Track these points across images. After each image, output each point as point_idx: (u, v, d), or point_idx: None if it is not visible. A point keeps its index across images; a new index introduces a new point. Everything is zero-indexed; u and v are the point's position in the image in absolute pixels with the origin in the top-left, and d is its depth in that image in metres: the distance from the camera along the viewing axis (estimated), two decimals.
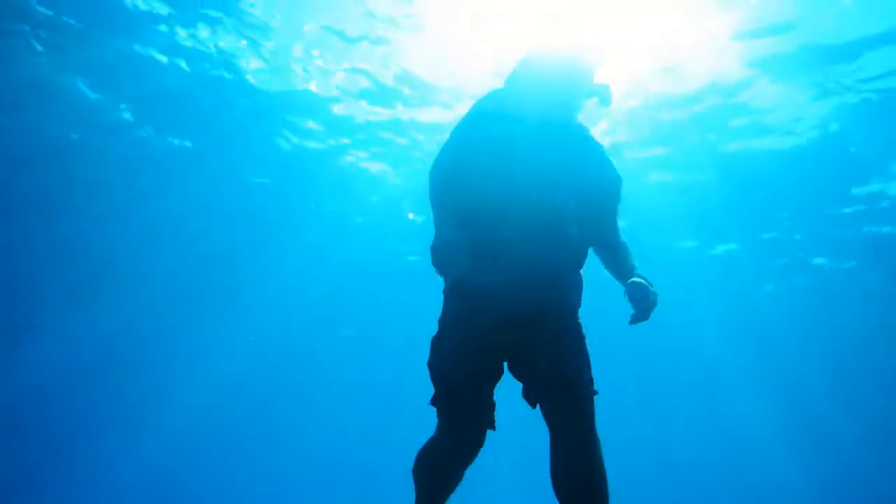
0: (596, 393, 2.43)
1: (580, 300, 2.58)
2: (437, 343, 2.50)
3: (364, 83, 8.75)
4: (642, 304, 2.41)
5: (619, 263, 2.62)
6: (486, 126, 2.47)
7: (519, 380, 2.51)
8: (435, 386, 2.46)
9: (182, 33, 7.89)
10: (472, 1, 7.14)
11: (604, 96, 2.50)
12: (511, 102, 2.50)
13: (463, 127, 2.53)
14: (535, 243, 2.41)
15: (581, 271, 2.60)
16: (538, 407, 2.46)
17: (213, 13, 7.55)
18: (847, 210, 10.67)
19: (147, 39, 7.97)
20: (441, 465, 2.43)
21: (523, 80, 2.56)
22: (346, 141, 10.07)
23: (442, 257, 2.30)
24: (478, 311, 2.39)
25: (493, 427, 2.45)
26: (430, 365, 2.48)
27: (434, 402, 2.46)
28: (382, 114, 9.37)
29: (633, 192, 8.91)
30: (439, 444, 2.44)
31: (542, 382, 2.43)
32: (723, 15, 7.00)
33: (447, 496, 2.49)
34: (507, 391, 2.59)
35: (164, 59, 8.28)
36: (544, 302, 2.46)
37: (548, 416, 2.44)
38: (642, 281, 2.47)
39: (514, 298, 2.40)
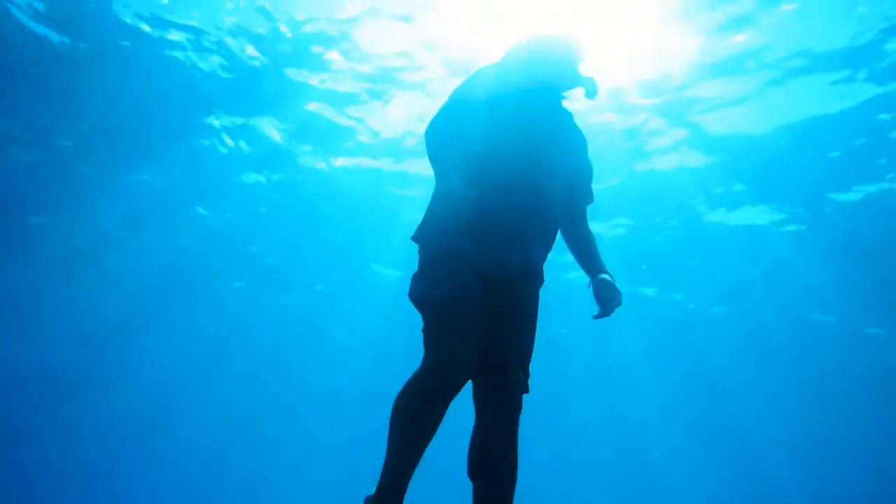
0: (527, 391, 2.45)
1: (542, 281, 2.61)
2: (424, 274, 2.45)
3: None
4: (609, 304, 2.48)
5: (586, 253, 2.65)
6: (484, 93, 2.51)
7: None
8: (426, 309, 2.37)
9: None
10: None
11: (590, 88, 2.56)
12: (507, 76, 2.57)
13: (462, 91, 2.55)
14: (519, 212, 2.44)
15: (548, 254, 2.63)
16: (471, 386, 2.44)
17: None
18: None
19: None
20: (424, 399, 2.21)
21: (519, 58, 2.62)
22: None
23: (451, 208, 2.28)
24: (462, 267, 2.37)
25: (476, 371, 2.36)
26: (420, 292, 2.42)
27: (425, 329, 2.35)
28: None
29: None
30: (423, 376, 2.24)
31: (485, 362, 2.38)
32: None
33: (423, 446, 2.25)
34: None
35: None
36: (517, 273, 2.47)
37: (477, 398, 2.43)
38: (610, 279, 2.52)
39: (492, 264, 2.40)
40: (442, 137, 2.47)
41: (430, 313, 2.36)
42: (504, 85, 2.53)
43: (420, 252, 2.52)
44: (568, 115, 2.71)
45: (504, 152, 2.45)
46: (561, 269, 12.15)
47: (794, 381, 16.31)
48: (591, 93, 2.56)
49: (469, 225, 2.34)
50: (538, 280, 2.57)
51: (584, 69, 2.61)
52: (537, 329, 2.55)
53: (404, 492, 2.26)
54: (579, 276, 12.53)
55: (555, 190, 2.52)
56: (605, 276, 2.53)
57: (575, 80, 2.58)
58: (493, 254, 2.40)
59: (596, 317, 2.52)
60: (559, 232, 2.69)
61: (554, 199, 2.51)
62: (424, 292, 2.39)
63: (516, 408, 2.40)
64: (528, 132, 2.51)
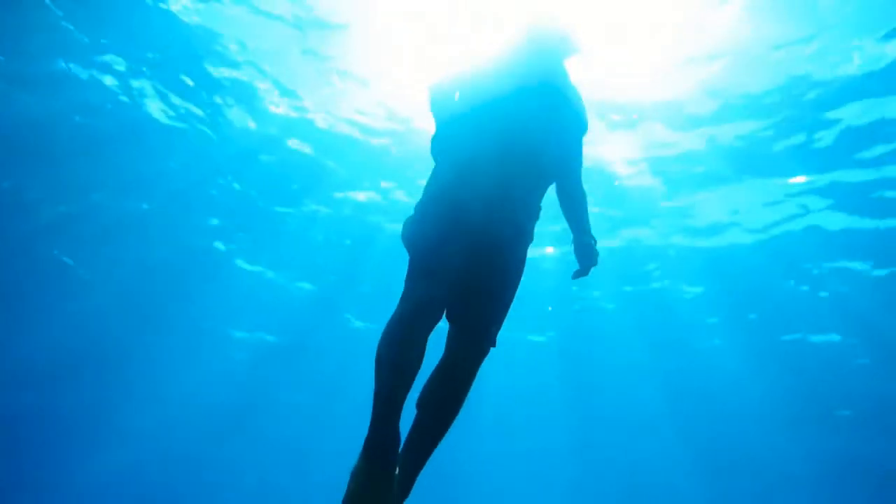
0: (494, 345, 2.63)
1: (531, 240, 2.77)
2: (415, 218, 2.65)
3: None
4: (588, 264, 2.69)
5: (574, 213, 2.78)
6: (487, 62, 2.77)
7: (456, 295, 2.60)
8: (410, 250, 2.59)
9: None
10: None
11: (577, 44, 2.82)
12: (509, 48, 2.83)
13: (468, 61, 2.79)
14: (511, 171, 2.60)
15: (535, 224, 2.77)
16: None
17: None
18: None
19: None
20: (399, 331, 2.38)
21: (522, 36, 2.86)
22: None
23: (437, 145, 2.57)
24: (455, 216, 2.55)
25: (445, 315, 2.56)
26: (408, 235, 2.63)
27: (408, 269, 2.55)
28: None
29: None
30: (399, 311, 2.44)
31: (465, 315, 2.59)
32: None
33: (404, 378, 2.37)
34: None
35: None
36: (504, 231, 2.61)
37: (450, 341, 2.63)
38: (591, 243, 2.70)
39: (481, 220, 2.54)
40: (439, 94, 2.75)
41: (412, 254, 2.57)
42: (506, 54, 2.79)
43: (421, 198, 2.71)
44: (564, 76, 2.86)
45: (500, 116, 2.62)
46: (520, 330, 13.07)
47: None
48: (575, 50, 2.85)
49: (462, 179, 2.55)
50: (526, 240, 2.72)
51: (577, 35, 2.86)
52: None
53: (394, 425, 2.33)
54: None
55: (547, 155, 2.69)
56: (586, 238, 2.72)
57: (570, 48, 2.83)
58: (484, 210, 2.55)
59: (574, 276, 2.72)
60: (556, 188, 2.87)
61: (545, 164, 2.69)
62: (412, 235, 2.61)
63: (481, 355, 2.60)
64: (524, 101, 2.67)
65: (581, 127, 2.82)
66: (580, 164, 2.83)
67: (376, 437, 2.30)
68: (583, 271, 2.70)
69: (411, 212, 2.72)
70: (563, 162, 2.78)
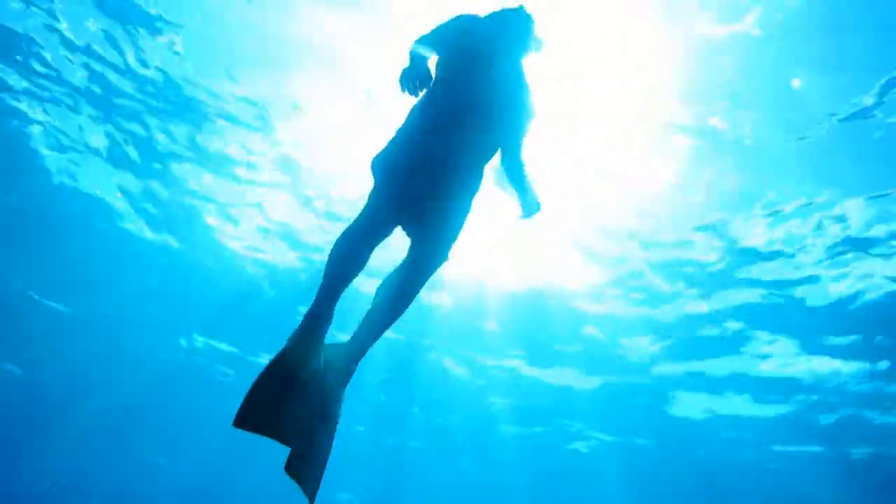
0: (446, 258, 3.04)
1: (478, 189, 3.15)
2: (388, 148, 3.06)
3: None
4: (535, 210, 3.22)
5: (517, 175, 3.26)
6: (473, 26, 3.15)
7: (408, 217, 3.04)
8: (377, 174, 3.02)
9: None
10: None
11: (538, 45, 3.22)
12: (489, 24, 3.21)
13: (461, 17, 3.17)
14: (471, 133, 3.01)
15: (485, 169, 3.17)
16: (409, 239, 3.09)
17: None
18: None
19: None
20: (348, 234, 2.88)
21: (501, 16, 3.23)
22: None
23: (406, 77, 2.91)
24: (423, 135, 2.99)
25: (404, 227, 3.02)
26: (378, 162, 3.05)
27: (373, 186, 2.99)
28: None
29: None
30: (359, 221, 2.92)
31: (423, 234, 3.01)
32: None
33: (351, 275, 2.86)
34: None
35: None
36: (459, 172, 3.02)
37: (410, 250, 3.05)
38: (537, 197, 3.24)
39: (441, 160, 2.95)
40: (418, 40, 3.14)
41: (375, 179, 3.03)
42: (477, 30, 3.16)
43: (393, 136, 3.14)
44: (519, 66, 3.26)
45: (472, 81, 3.05)
46: None
47: None
48: (538, 48, 3.25)
49: (431, 125, 2.98)
50: (472, 188, 3.13)
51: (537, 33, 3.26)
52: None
53: (329, 307, 2.84)
54: None
55: (501, 127, 3.15)
56: (531, 193, 3.24)
57: (531, 44, 3.22)
58: (444, 151, 2.96)
59: (521, 217, 3.26)
60: (501, 159, 3.30)
61: (497, 133, 3.14)
62: (379, 163, 3.06)
63: (434, 266, 3.02)
64: (494, 76, 3.09)
65: (530, 116, 3.32)
66: (523, 140, 3.33)
67: (314, 310, 2.88)
68: (527, 215, 3.26)
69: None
70: (510, 137, 3.27)
